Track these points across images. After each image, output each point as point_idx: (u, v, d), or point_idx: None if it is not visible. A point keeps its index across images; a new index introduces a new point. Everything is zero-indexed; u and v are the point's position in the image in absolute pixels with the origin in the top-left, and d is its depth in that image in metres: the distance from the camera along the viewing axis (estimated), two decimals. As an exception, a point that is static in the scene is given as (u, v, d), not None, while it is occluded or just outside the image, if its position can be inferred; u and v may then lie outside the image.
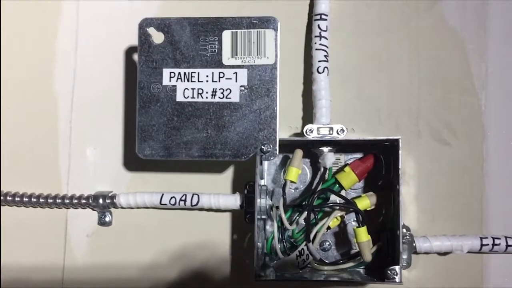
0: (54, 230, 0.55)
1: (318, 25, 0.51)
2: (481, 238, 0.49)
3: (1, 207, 0.55)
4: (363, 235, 0.47)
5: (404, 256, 0.48)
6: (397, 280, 0.46)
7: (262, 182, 0.52)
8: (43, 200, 0.53)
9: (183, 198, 0.51)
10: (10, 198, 0.53)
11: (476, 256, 0.51)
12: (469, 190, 0.52)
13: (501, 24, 0.54)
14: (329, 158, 0.50)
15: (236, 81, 0.47)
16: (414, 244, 0.49)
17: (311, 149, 0.51)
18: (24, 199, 0.53)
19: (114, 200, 0.53)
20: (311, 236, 0.48)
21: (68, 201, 0.53)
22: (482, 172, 0.53)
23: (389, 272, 0.45)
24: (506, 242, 0.49)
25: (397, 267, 0.46)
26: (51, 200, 0.53)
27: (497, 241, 0.49)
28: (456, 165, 0.53)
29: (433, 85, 0.53)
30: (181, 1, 0.55)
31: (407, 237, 0.49)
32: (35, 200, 0.53)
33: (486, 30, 0.54)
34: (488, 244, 0.49)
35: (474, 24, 0.54)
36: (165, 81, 0.47)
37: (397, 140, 0.47)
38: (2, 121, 0.55)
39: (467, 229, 0.52)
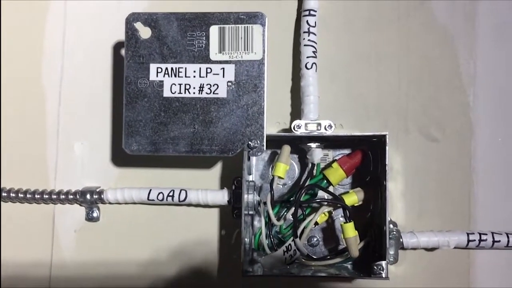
0: (41, 226, 0.54)
1: (307, 21, 0.51)
2: (468, 234, 0.50)
3: (-12, 202, 0.54)
4: (350, 230, 0.47)
5: (391, 252, 0.48)
6: (383, 275, 0.46)
7: (250, 177, 0.52)
8: (30, 196, 0.53)
9: (171, 194, 0.51)
10: (-3, 194, 0.53)
11: (463, 252, 0.52)
12: (456, 186, 0.52)
13: (490, 22, 0.54)
14: (317, 154, 0.50)
15: (223, 77, 0.47)
16: (401, 240, 0.49)
17: (299, 145, 0.51)
18: (11, 194, 0.53)
19: (102, 196, 0.52)
20: (299, 231, 0.49)
21: (55, 196, 0.53)
22: (470, 168, 0.53)
23: (375, 267, 0.46)
24: (493, 238, 0.50)
25: (383, 263, 0.46)
26: (38, 196, 0.53)
27: (483, 237, 0.49)
28: (444, 162, 0.53)
29: (422, 82, 0.53)
30: (170, -4, 0.55)
31: (394, 232, 0.49)
32: (22, 195, 0.53)
33: (475, 28, 0.54)
34: (474, 240, 0.49)
35: (463, 22, 0.54)
36: (152, 76, 0.47)
37: (384, 136, 0.47)
38: (-11, 116, 0.55)
39: (455, 225, 0.52)
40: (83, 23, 0.56)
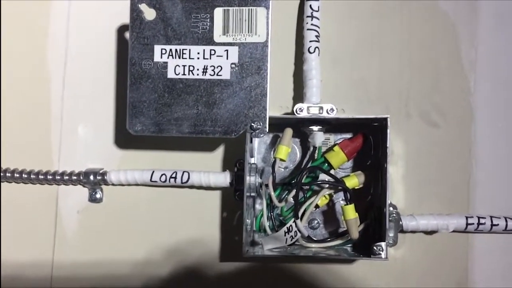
0: (45, 206, 0.55)
1: (310, 5, 0.52)
2: (467, 218, 0.50)
3: (-7, 183, 0.55)
4: (351, 212, 0.48)
5: (391, 234, 0.49)
6: (383, 256, 0.46)
7: (252, 160, 0.52)
8: (34, 176, 0.54)
9: (174, 176, 0.52)
10: (1, 174, 0.54)
11: (462, 236, 0.52)
12: (456, 171, 0.53)
13: (492, 9, 0.54)
14: (319, 137, 0.50)
15: (227, 59, 0.47)
16: (400, 222, 0.50)
17: (301, 129, 0.51)
18: (15, 175, 0.54)
19: (105, 177, 0.53)
20: (300, 213, 0.49)
21: (59, 177, 0.54)
22: (470, 153, 0.53)
23: (375, 248, 0.46)
24: (491, 221, 0.50)
25: (383, 244, 0.46)
26: (42, 176, 0.54)
27: (482, 221, 0.50)
28: (444, 147, 0.53)
29: (424, 67, 0.54)
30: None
31: (394, 215, 0.49)
32: (26, 176, 0.54)
33: (477, 14, 0.54)
34: (473, 224, 0.50)
35: (466, 9, 0.54)
36: (157, 57, 0.48)
37: (385, 119, 0.47)
38: (-6, 97, 0.56)
39: (454, 209, 0.52)
40: (88, 6, 0.56)
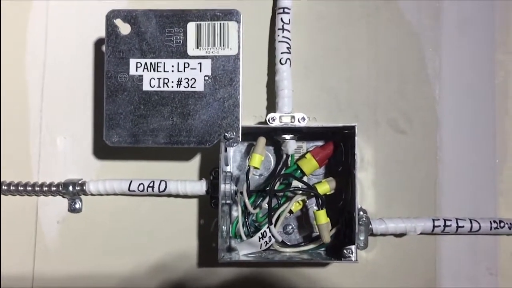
0: (25, 217, 0.56)
1: (281, 18, 0.53)
2: (433, 220, 0.52)
3: (-28, 195, 0.56)
4: (322, 217, 0.50)
5: (362, 238, 0.51)
6: (353, 258, 0.48)
7: (227, 168, 0.54)
8: (14, 188, 0.55)
9: (151, 185, 0.53)
10: (-19, 186, 0.55)
11: (430, 237, 0.54)
12: (423, 175, 0.55)
13: (454, 18, 0.57)
14: (291, 145, 0.52)
15: (200, 71, 0.49)
16: (370, 226, 0.52)
17: (274, 137, 0.53)
18: (-5, 187, 0.55)
19: (84, 187, 0.54)
20: (274, 219, 0.51)
21: (38, 188, 0.55)
22: (436, 158, 0.56)
23: (345, 251, 0.48)
24: (457, 223, 0.52)
25: (353, 247, 0.48)
26: (21, 188, 0.55)
27: (448, 223, 0.52)
28: (411, 152, 0.55)
29: (390, 76, 0.56)
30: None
31: (364, 219, 0.51)
32: (6, 187, 0.55)
33: (440, 24, 0.57)
34: (440, 226, 0.52)
35: (429, 19, 0.57)
36: (132, 71, 0.49)
37: (353, 127, 0.49)
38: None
39: (422, 212, 0.55)
40: (65, 21, 0.57)
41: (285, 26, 0.53)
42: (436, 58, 0.56)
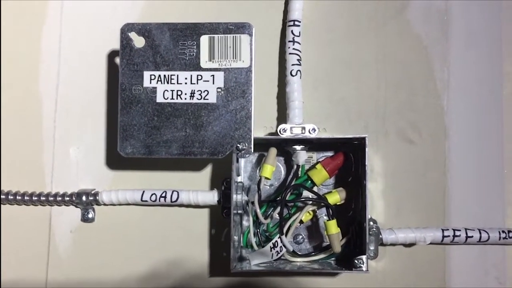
0: (38, 227, 0.57)
1: (292, 31, 0.54)
2: (443, 230, 0.53)
3: (-13, 204, 0.56)
4: (333, 227, 0.50)
5: (372, 247, 0.51)
6: (363, 268, 0.49)
7: (239, 179, 0.55)
8: (28, 198, 0.55)
9: (163, 195, 0.54)
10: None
11: (439, 247, 0.55)
12: (432, 185, 0.56)
13: (462, 32, 0.58)
14: (302, 156, 0.53)
15: (213, 83, 0.50)
16: (380, 236, 0.52)
17: (285, 148, 0.54)
18: (9, 197, 0.55)
19: (97, 197, 0.55)
20: (285, 229, 0.51)
21: (52, 198, 0.55)
22: (445, 168, 0.56)
23: (356, 261, 0.49)
24: (466, 233, 0.53)
25: (363, 257, 0.49)
26: (35, 198, 0.55)
27: (457, 233, 0.53)
28: (420, 162, 0.56)
29: (399, 87, 0.57)
30: (162, 7, 0.58)
31: (374, 229, 0.52)
32: (20, 197, 0.55)
33: (448, 37, 0.57)
34: (449, 236, 0.53)
35: (437, 32, 0.57)
36: (146, 83, 0.50)
37: (363, 138, 0.50)
38: (-13, 121, 0.57)
39: (431, 222, 0.55)
40: (79, 32, 0.58)
41: (296, 39, 0.54)
42: (445, 70, 0.57)
